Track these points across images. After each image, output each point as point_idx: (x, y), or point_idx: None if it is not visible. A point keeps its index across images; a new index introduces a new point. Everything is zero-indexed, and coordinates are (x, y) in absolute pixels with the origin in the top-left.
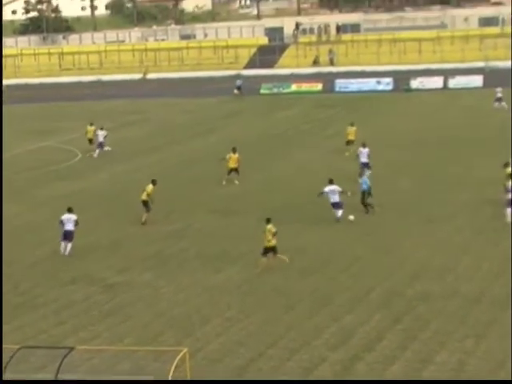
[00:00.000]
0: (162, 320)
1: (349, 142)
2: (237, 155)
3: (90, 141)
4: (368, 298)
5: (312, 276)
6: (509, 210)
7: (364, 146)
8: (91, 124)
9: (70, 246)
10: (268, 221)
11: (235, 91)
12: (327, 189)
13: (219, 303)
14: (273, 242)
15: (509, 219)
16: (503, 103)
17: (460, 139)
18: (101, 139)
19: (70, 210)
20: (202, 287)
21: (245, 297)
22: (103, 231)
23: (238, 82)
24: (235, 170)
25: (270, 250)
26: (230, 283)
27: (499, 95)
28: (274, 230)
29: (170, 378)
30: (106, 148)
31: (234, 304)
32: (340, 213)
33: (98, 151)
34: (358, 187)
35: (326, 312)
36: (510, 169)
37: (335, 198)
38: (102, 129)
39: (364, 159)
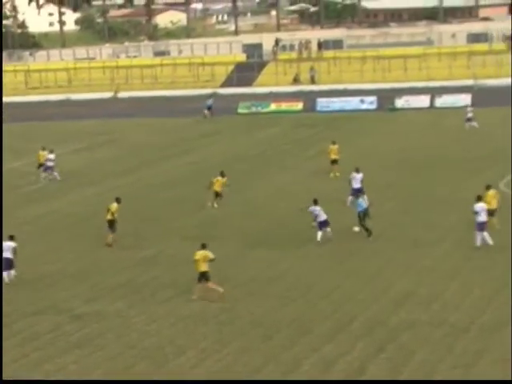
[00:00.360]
0: (134, 351)
1: (333, 162)
2: (225, 179)
3: (41, 165)
4: (350, 326)
5: (291, 304)
6: (484, 233)
7: (358, 171)
8: (43, 148)
9: (12, 273)
10: (203, 246)
11: (205, 112)
12: (316, 211)
13: (194, 333)
14: (204, 267)
15: (490, 242)
16: (473, 123)
17: (447, 159)
18: (49, 164)
19: (11, 238)
20: (176, 317)
21: (221, 327)
22: (71, 257)
23: (209, 102)
24: (219, 194)
25: (201, 276)
26: (205, 313)
27: (470, 115)
28: (211, 256)
29: None
30: (52, 174)
31: (210, 334)
32: (328, 230)
33: (56, 174)
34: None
35: (305, 342)
36: (491, 191)
37: (322, 217)
38: (51, 152)
39: (357, 185)
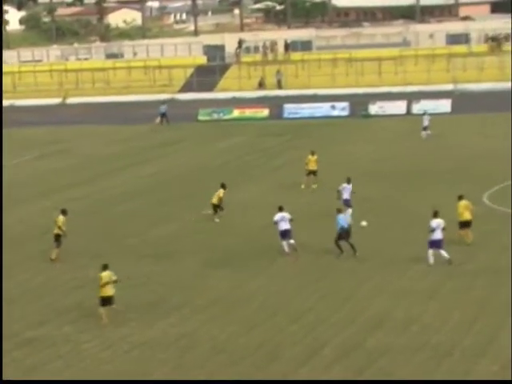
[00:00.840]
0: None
1: (309, 173)
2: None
3: None
4: (322, 351)
5: (258, 328)
6: (430, 251)
7: (349, 181)
8: None
9: None
10: (105, 267)
11: (157, 120)
12: (278, 217)
13: (151, 360)
14: (110, 292)
15: (446, 255)
16: (428, 132)
17: (424, 170)
18: None
19: None
20: (131, 343)
21: (181, 353)
22: (22, 276)
23: (162, 109)
24: (217, 207)
25: (107, 300)
26: (164, 338)
27: (426, 123)
28: (114, 277)
29: None
30: None
31: (170, 361)
32: (292, 242)
33: None
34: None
35: (273, 368)
36: (463, 202)
37: (285, 226)
38: None
39: (347, 196)
